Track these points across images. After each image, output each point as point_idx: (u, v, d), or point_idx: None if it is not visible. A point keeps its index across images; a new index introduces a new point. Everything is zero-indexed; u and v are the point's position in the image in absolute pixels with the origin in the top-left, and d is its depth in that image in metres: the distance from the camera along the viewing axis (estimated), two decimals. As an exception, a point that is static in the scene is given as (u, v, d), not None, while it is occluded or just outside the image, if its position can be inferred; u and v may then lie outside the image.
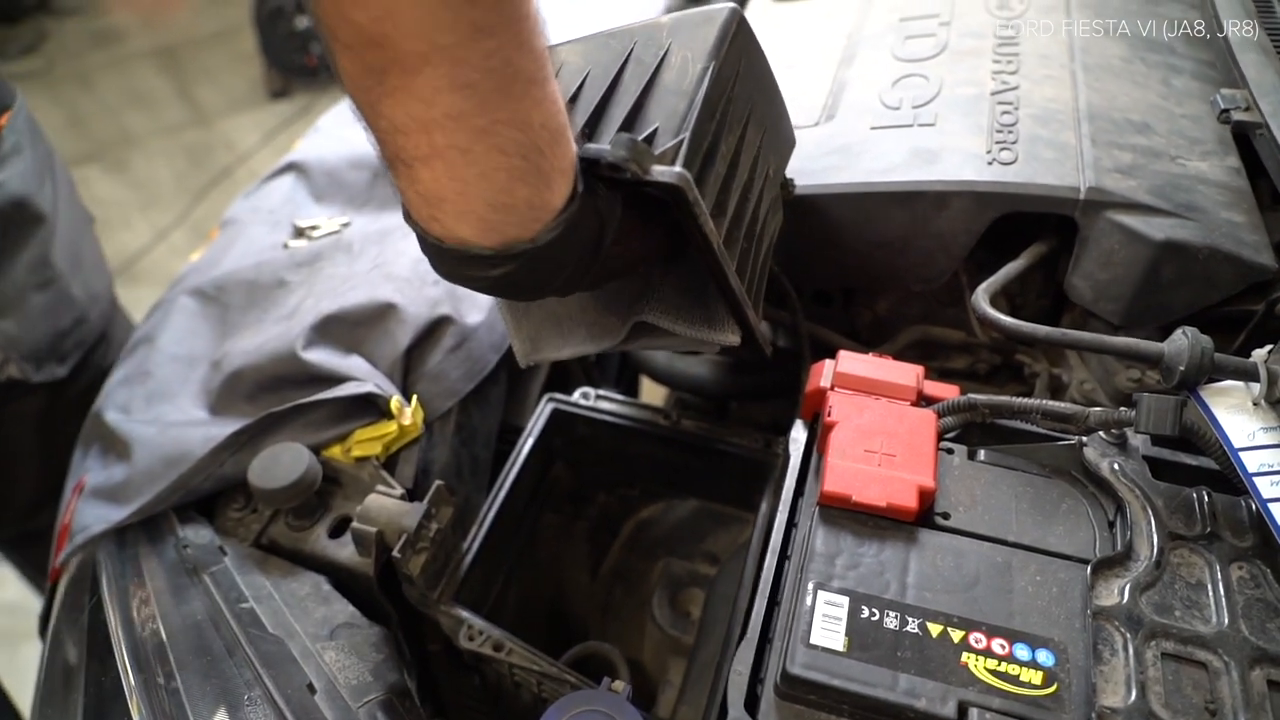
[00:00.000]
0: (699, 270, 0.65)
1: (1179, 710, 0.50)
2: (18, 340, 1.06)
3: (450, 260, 0.53)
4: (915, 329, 0.92)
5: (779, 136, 0.74)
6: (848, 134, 0.88)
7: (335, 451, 0.80)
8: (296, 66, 3.67)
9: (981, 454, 0.65)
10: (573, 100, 0.61)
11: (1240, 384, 0.60)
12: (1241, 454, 0.57)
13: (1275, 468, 0.57)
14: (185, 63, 3.97)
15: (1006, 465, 0.65)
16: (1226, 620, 0.53)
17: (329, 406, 0.79)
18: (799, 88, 0.96)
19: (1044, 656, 0.53)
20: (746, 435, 0.89)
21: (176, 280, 1.01)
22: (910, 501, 0.59)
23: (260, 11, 3.51)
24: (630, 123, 0.59)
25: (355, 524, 0.71)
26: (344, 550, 0.74)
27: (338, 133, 1.17)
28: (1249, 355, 0.60)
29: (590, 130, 0.59)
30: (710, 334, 0.67)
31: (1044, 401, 0.64)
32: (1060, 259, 0.82)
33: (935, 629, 0.54)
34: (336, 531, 0.76)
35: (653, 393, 1.38)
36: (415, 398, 0.82)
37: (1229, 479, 0.59)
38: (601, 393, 0.94)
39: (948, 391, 0.69)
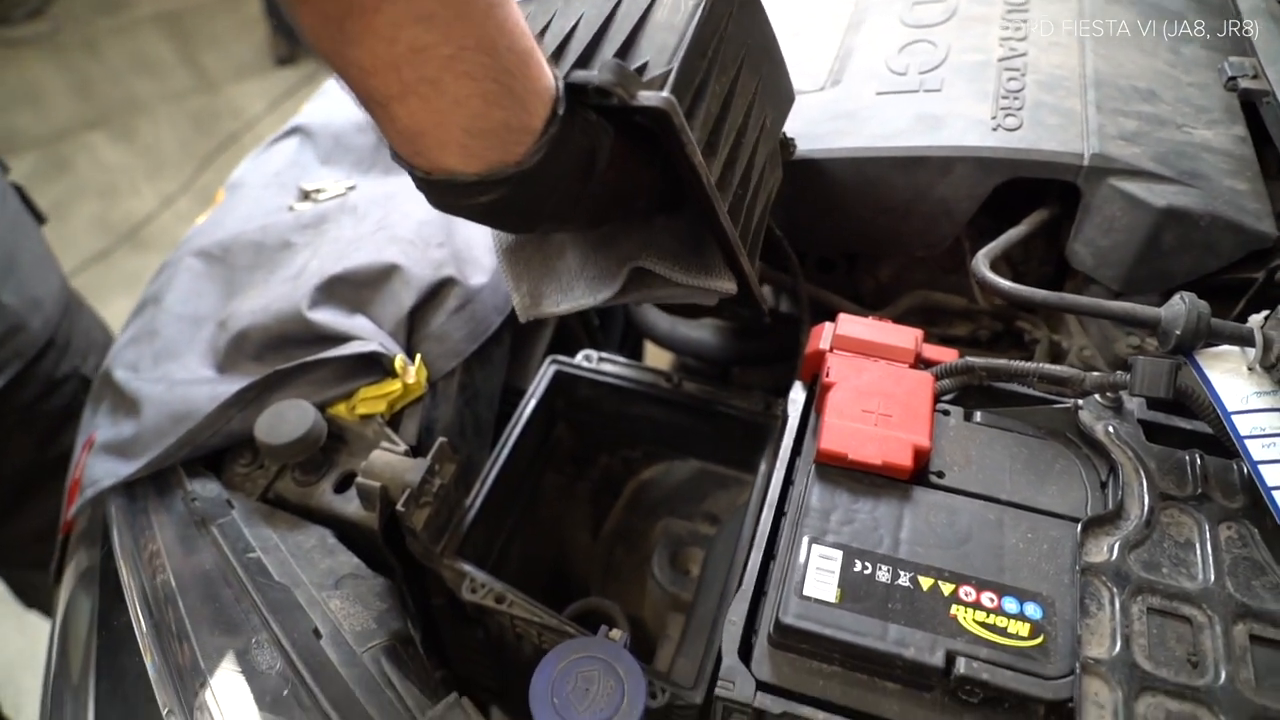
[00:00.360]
0: (697, 221, 0.66)
1: (1161, 662, 0.51)
2: None
3: (439, 191, 0.54)
4: (917, 294, 0.93)
5: (777, 88, 0.74)
6: (853, 99, 0.88)
7: (340, 409, 0.81)
8: (303, 32, 3.63)
9: (978, 416, 0.66)
10: (566, 39, 0.61)
11: (1236, 349, 0.61)
12: (1234, 417, 0.58)
13: (1267, 431, 0.57)
14: (191, 28, 3.94)
15: (1002, 426, 0.65)
16: (1213, 577, 0.54)
17: (334, 365, 0.80)
18: (805, 53, 0.96)
19: (1032, 610, 0.54)
20: (747, 398, 0.90)
21: (183, 242, 1.02)
22: (905, 460, 0.60)
23: (266, -24, 3.49)
24: (622, 57, 0.60)
25: (360, 479, 0.72)
26: (349, 505, 0.75)
27: (344, 96, 1.17)
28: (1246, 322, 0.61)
29: (583, 66, 0.60)
30: (706, 281, 0.68)
31: (1041, 365, 0.65)
32: (1063, 226, 0.82)
33: (926, 582, 0.56)
34: (342, 487, 0.77)
35: (656, 360, 1.40)
36: (419, 357, 0.83)
37: (1222, 442, 0.59)
38: (604, 355, 0.95)
39: (946, 355, 0.70)
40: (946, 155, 0.78)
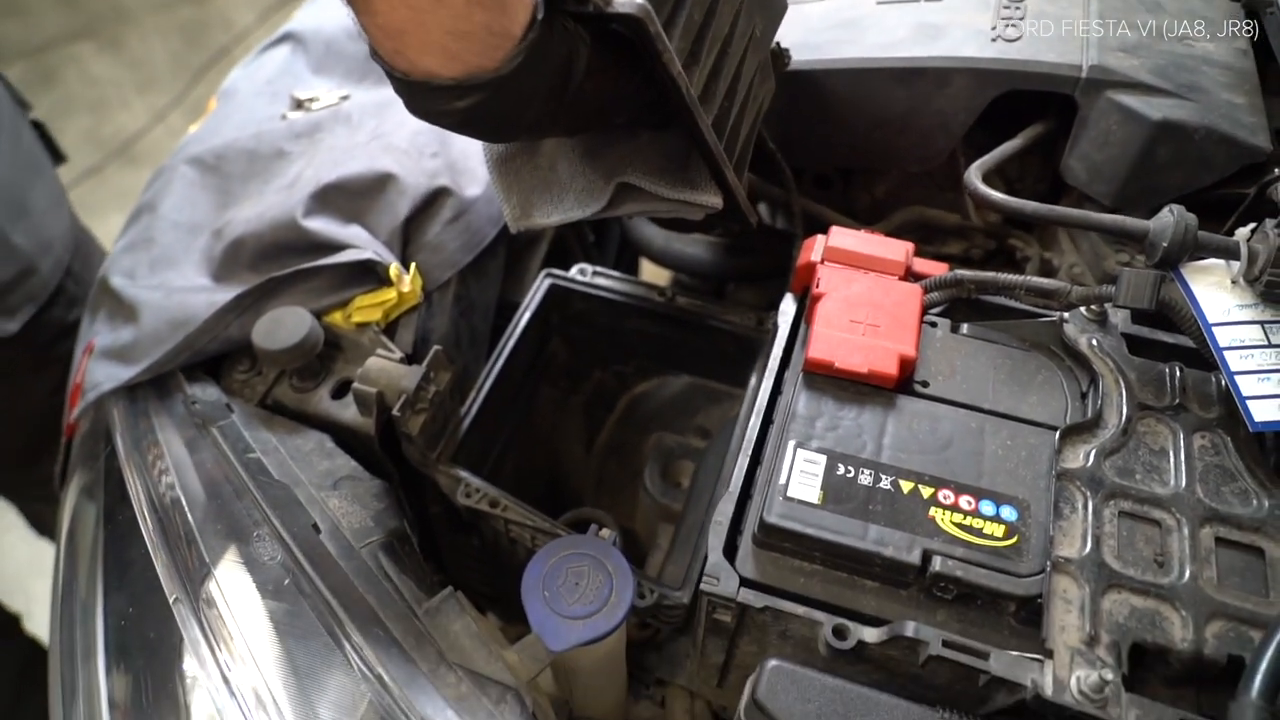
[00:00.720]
0: (684, 137, 0.65)
1: (1129, 561, 0.53)
2: None
3: (419, 94, 0.54)
4: (912, 210, 0.93)
5: None
6: (854, 7, 0.87)
7: (336, 318, 0.82)
8: (294, -60, 3.53)
9: (964, 328, 0.67)
10: None
11: (1221, 263, 0.61)
12: (1215, 329, 0.59)
13: (1246, 343, 0.58)
14: (179, -66, 3.81)
15: (987, 338, 0.67)
16: (1184, 483, 0.56)
17: (330, 273, 0.80)
18: (806, -39, 0.94)
19: (1007, 512, 0.56)
20: (739, 313, 0.91)
21: (177, 149, 1.01)
22: (890, 368, 0.61)
23: (255, -120, 3.36)
24: None
25: (356, 384, 0.73)
26: (346, 411, 0.77)
27: (335, 3, 1.15)
28: (1234, 237, 0.61)
29: None
30: (691, 195, 0.68)
31: (1028, 278, 0.66)
32: (1058, 144, 0.82)
33: (906, 486, 0.57)
34: (339, 394, 0.79)
35: (652, 278, 1.40)
36: (414, 266, 0.83)
37: (1202, 355, 0.60)
38: (599, 269, 0.95)
39: (936, 268, 0.70)
40: (943, 67, 0.77)
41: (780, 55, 0.79)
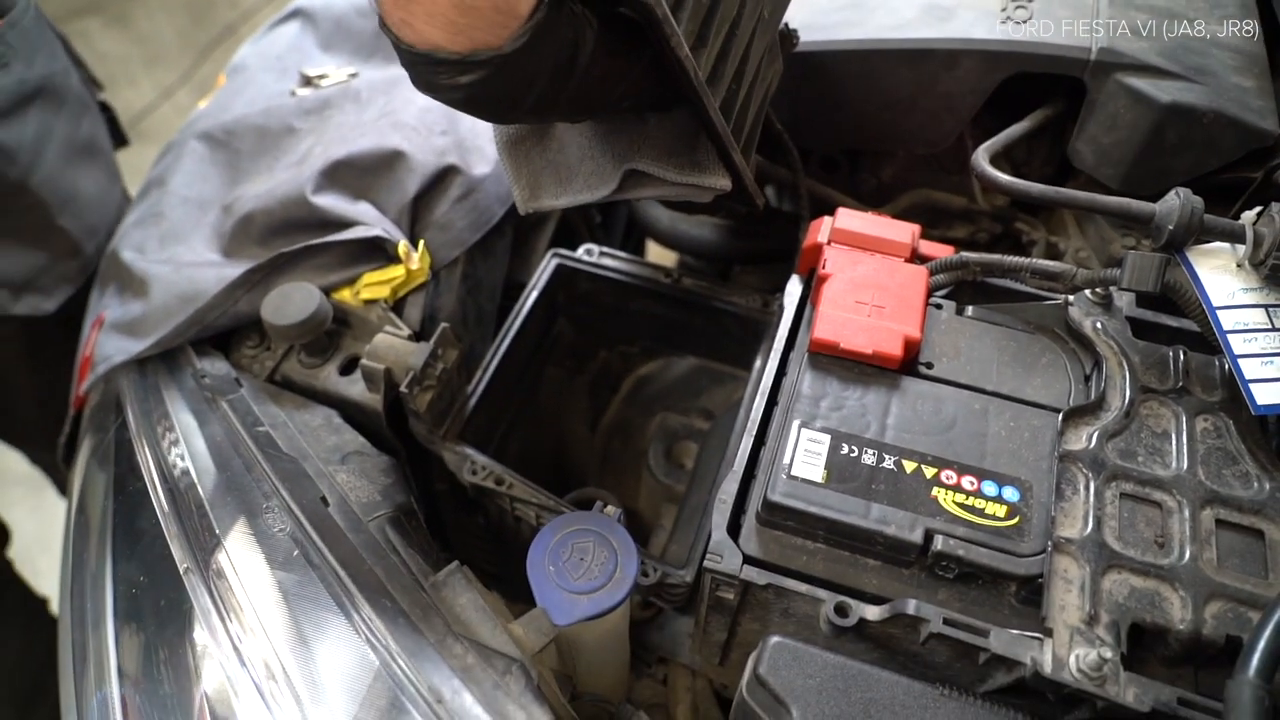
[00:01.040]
0: (691, 120, 0.65)
1: (1130, 542, 0.53)
2: None
3: (422, 66, 0.54)
4: (918, 192, 0.93)
5: None
6: (863, -11, 0.86)
7: (344, 294, 0.82)
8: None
9: (969, 310, 0.68)
10: None
11: (1226, 247, 0.62)
12: (1219, 312, 0.59)
13: (1250, 326, 0.59)
14: (184, -91, 3.79)
15: (992, 321, 0.67)
16: (1186, 466, 0.57)
17: (338, 249, 0.81)
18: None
19: (1010, 493, 0.56)
20: (745, 295, 0.91)
21: (186, 124, 1.02)
22: (895, 350, 0.62)
23: None
24: None
25: (364, 361, 0.74)
26: (354, 387, 0.77)
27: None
28: (1240, 221, 0.61)
29: None
30: (699, 178, 0.68)
31: (1034, 260, 0.66)
32: (1066, 127, 0.82)
33: (910, 466, 0.58)
34: (347, 370, 0.79)
35: (659, 260, 1.40)
36: (422, 244, 0.84)
37: (1206, 339, 0.61)
38: (605, 250, 0.95)
39: (942, 251, 0.70)
40: (953, 49, 0.77)
41: (788, 36, 0.79)
